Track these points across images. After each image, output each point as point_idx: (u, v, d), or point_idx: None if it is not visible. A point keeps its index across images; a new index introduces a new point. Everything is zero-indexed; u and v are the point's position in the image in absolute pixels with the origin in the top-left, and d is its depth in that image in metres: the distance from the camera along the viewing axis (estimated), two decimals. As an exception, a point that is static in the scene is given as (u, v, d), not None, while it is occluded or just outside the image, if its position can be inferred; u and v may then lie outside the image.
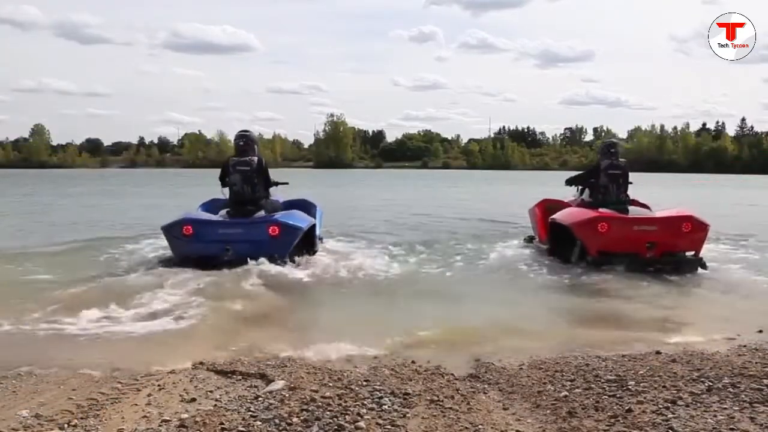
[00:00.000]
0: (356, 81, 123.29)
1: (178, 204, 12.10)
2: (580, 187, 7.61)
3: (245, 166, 6.79)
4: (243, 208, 6.72)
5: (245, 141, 6.97)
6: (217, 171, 7.14)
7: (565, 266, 6.64)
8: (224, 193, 7.06)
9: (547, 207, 7.82)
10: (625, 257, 6.33)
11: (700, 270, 6.49)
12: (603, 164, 7.19)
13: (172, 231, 6.39)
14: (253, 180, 6.79)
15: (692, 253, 6.56)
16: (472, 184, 32.78)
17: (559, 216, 7.03)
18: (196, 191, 15.21)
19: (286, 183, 7.46)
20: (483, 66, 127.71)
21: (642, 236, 6.35)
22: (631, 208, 7.19)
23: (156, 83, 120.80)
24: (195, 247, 6.28)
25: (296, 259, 6.57)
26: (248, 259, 6.17)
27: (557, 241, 7.11)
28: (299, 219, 6.72)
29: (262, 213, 6.74)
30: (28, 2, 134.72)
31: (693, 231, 6.40)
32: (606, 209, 6.87)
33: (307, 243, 6.93)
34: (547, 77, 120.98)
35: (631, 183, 7.30)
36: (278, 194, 7.39)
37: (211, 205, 7.37)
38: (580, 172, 7.90)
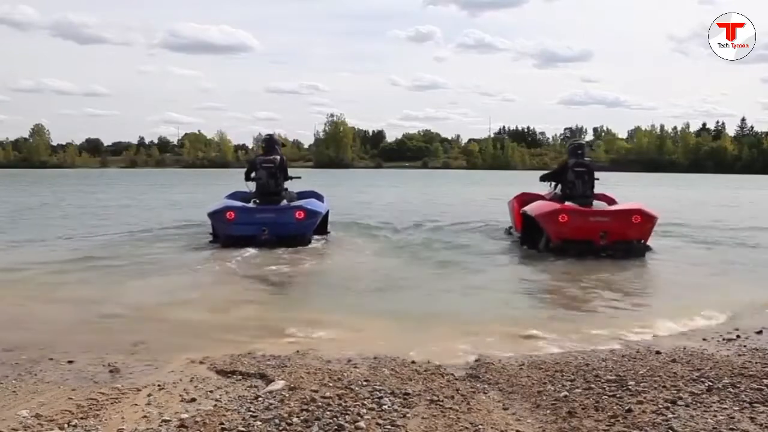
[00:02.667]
0: (355, 81, 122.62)
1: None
2: (554, 183, 8.24)
3: (270, 164, 8.11)
4: (268, 198, 8.06)
5: (269, 142, 8.46)
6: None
7: (561, 264, 6.90)
8: (248, 187, 8.33)
9: (524, 200, 8.49)
10: (582, 244, 7.14)
11: (686, 266, 7.11)
12: (570, 163, 7.90)
13: (217, 216, 7.72)
14: (276, 175, 8.14)
15: (641, 240, 7.32)
16: (474, 185, 32.76)
17: (528, 208, 7.75)
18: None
19: (299, 177, 8.67)
20: (481, 66, 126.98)
21: (596, 226, 7.15)
22: (596, 201, 7.85)
23: (155, 83, 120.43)
24: (236, 228, 7.57)
25: (315, 237, 8.08)
26: (274, 243, 7.47)
27: (528, 231, 7.81)
28: (318, 206, 8.20)
29: (284, 202, 8.08)
30: (24, 2, 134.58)
31: (642, 222, 7.21)
32: (571, 203, 7.54)
33: (322, 225, 8.47)
34: (545, 77, 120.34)
35: (597, 180, 7.95)
36: (291, 186, 8.58)
37: (234, 197, 8.58)
38: (554, 169, 8.55)
